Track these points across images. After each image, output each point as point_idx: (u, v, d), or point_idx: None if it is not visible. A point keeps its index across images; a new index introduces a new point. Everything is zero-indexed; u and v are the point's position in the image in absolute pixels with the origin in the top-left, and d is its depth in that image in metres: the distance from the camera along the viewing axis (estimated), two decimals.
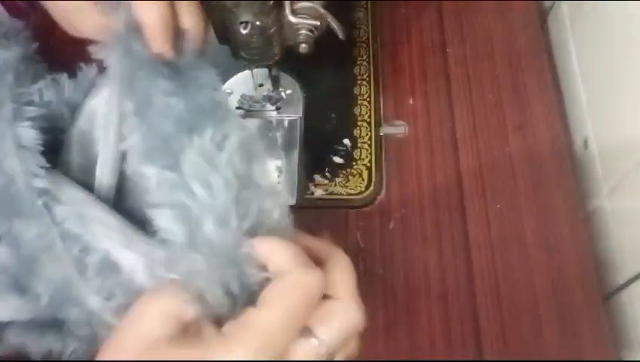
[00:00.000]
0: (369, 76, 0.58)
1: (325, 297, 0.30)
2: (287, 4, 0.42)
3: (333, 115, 0.56)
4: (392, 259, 0.49)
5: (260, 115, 0.55)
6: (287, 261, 0.29)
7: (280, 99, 0.55)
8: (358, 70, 0.58)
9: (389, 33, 0.61)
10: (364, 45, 0.60)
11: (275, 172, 0.52)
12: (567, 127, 0.57)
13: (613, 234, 0.50)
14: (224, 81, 0.55)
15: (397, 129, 0.55)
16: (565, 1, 0.60)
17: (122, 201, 0.38)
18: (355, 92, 0.57)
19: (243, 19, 0.41)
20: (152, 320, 0.28)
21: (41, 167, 0.35)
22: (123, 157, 0.38)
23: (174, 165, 0.35)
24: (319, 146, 0.54)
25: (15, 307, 0.34)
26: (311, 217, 0.47)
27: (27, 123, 0.36)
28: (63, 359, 0.35)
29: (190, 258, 0.31)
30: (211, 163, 0.35)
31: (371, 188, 0.52)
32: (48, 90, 0.39)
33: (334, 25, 0.43)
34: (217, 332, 0.28)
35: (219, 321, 0.30)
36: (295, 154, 0.52)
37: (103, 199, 0.37)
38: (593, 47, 0.54)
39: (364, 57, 0.59)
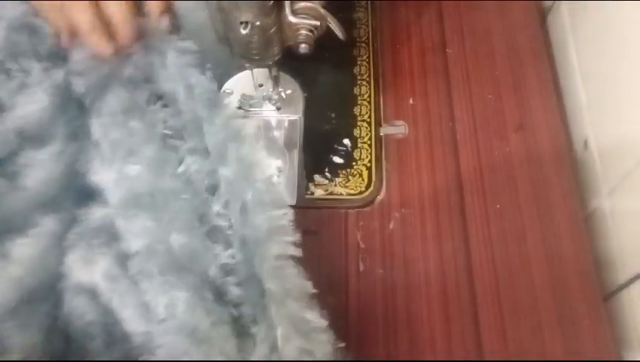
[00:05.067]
0: (369, 76, 0.58)
1: None
2: (287, 4, 0.42)
3: (333, 115, 0.56)
4: (392, 259, 0.49)
5: (260, 115, 0.55)
6: None
7: (280, 99, 0.55)
8: (358, 70, 0.58)
9: (389, 33, 0.61)
10: (364, 45, 0.60)
11: (275, 172, 0.52)
12: (567, 127, 0.57)
13: (613, 234, 0.50)
14: (224, 81, 0.55)
15: (397, 129, 0.55)
16: (565, 1, 0.60)
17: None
18: (355, 92, 0.57)
19: (243, 19, 0.41)
20: None
21: None
22: None
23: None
24: (319, 146, 0.54)
25: None
26: (311, 217, 0.48)
27: None
28: None
29: None
30: None
31: (371, 188, 0.52)
32: None
33: (334, 25, 0.43)
34: None
35: None
36: (295, 154, 0.52)
37: None
38: (593, 47, 0.54)
39: (364, 57, 0.59)
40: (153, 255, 0.38)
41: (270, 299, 0.37)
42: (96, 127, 0.42)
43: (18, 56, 0.44)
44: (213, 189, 0.42)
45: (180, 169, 0.42)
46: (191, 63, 0.44)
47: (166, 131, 0.43)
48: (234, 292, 0.39)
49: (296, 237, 0.40)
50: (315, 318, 0.37)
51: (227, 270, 0.40)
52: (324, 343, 0.36)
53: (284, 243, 0.39)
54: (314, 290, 0.38)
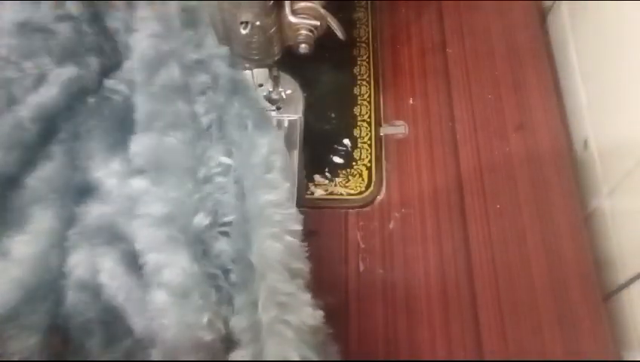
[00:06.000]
0: (369, 76, 0.58)
1: None
2: (287, 4, 0.42)
3: (333, 115, 0.56)
4: (392, 259, 0.49)
5: None
6: None
7: (280, 99, 0.55)
8: (358, 70, 0.58)
9: (389, 33, 0.61)
10: (364, 45, 0.60)
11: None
12: (567, 127, 0.57)
13: (613, 234, 0.50)
14: None
15: (397, 129, 0.55)
16: (565, 1, 0.60)
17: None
18: (355, 92, 0.57)
19: (243, 19, 0.41)
20: None
21: None
22: None
23: None
24: (319, 146, 0.54)
25: None
26: (311, 217, 0.48)
27: None
28: None
29: None
30: None
31: (371, 188, 0.52)
32: None
33: (334, 25, 0.43)
34: None
35: None
36: (295, 154, 0.52)
37: None
38: (593, 47, 0.54)
39: (364, 57, 0.59)
40: (171, 223, 0.39)
41: (255, 272, 0.38)
42: (144, 95, 0.43)
43: (29, 56, 0.44)
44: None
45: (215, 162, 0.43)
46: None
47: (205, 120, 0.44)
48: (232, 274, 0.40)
49: (293, 211, 0.41)
50: (296, 290, 0.37)
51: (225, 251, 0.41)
52: (304, 314, 0.36)
53: (277, 221, 0.40)
54: (300, 265, 0.39)
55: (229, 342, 0.37)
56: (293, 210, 0.41)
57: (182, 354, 0.35)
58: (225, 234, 0.41)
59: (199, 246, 0.39)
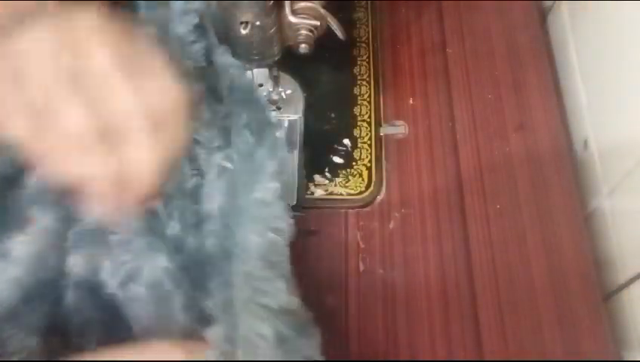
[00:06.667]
0: (369, 76, 0.58)
1: None
2: (287, 4, 0.42)
3: (333, 115, 0.56)
4: (392, 259, 0.49)
5: None
6: None
7: (280, 99, 0.55)
8: (358, 70, 0.58)
9: (389, 33, 0.61)
10: (364, 45, 0.60)
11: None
12: (567, 127, 0.57)
13: (613, 234, 0.50)
14: None
15: (397, 129, 0.55)
16: (565, 1, 0.60)
17: None
18: (355, 92, 0.57)
19: (243, 19, 0.41)
20: None
21: None
22: None
23: None
24: (319, 146, 0.54)
25: None
26: (311, 217, 0.48)
27: None
28: None
29: None
30: None
31: (371, 188, 0.52)
32: None
33: (334, 25, 0.43)
34: None
35: None
36: (295, 154, 0.52)
37: None
38: (593, 47, 0.54)
39: (364, 57, 0.59)
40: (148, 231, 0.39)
41: (233, 260, 0.38)
42: None
43: None
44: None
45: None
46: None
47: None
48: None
49: (280, 210, 0.40)
50: (273, 277, 0.37)
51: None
52: (279, 298, 0.36)
53: (263, 218, 0.40)
54: (280, 258, 0.38)
55: (204, 321, 0.37)
56: (281, 209, 0.41)
57: (158, 336, 0.36)
58: (208, 233, 0.41)
59: (174, 243, 0.40)
